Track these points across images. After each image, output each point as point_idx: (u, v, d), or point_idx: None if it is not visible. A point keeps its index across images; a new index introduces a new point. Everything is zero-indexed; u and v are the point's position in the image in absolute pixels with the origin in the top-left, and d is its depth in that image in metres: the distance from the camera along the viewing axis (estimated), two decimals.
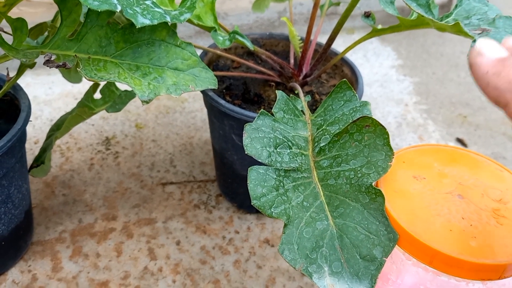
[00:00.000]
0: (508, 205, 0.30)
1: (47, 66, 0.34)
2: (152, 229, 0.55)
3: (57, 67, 0.34)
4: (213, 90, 0.50)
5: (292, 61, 0.56)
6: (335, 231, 0.29)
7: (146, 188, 0.60)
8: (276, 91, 0.36)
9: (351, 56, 0.89)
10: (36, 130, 0.68)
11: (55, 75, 0.78)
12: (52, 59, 0.34)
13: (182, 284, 0.49)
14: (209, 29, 0.45)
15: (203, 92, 0.50)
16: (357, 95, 0.35)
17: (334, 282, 0.27)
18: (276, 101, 0.35)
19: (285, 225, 0.29)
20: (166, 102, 0.75)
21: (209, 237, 0.55)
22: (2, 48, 0.35)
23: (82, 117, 0.47)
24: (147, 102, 0.35)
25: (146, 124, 0.70)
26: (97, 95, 0.51)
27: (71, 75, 0.58)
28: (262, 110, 0.34)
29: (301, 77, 0.53)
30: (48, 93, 0.75)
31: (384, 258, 0.28)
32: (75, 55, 0.36)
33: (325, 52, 0.51)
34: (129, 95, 0.46)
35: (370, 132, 0.31)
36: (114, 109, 0.46)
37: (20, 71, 0.46)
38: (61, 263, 0.50)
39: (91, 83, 0.51)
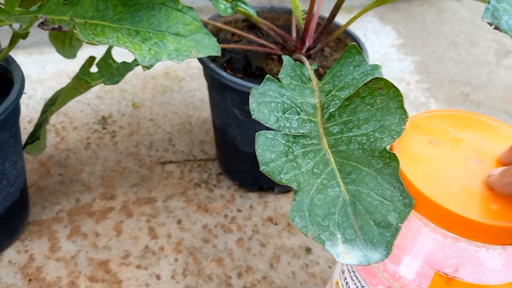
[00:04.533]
0: None
1: (42, 28, 0.32)
2: (152, 208, 0.53)
3: (52, 29, 0.32)
4: (214, 63, 0.48)
5: (294, 34, 0.54)
6: (347, 197, 0.28)
7: (145, 167, 0.58)
8: (283, 56, 0.35)
9: None
10: (29, 110, 0.66)
11: (48, 54, 0.76)
12: (46, 21, 0.32)
13: (185, 263, 0.48)
14: None
15: (203, 65, 0.48)
16: (366, 59, 0.34)
17: (347, 250, 0.26)
18: (283, 67, 0.34)
19: (296, 192, 0.28)
20: (163, 81, 0.73)
21: (211, 215, 0.53)
22: None
23: (78, 90, 0.45)
24: (148, 68, 0.33)
25: (143, 103, 0.68)
26: (94, 69, 0.49)
27: (65, 49, 0.56)
28: (268, 75, 0.33)
29: (304, 50, 0.52)
30: (41, 72, 0.73)
31: (400, 224, 0.26)
32: (71, 18, 0.34)
33: (329, 24, 0.50)
34: (127, 66, 0.45)
35: (382, 95, 0.29)
36: (111, 81, 0.44)
37: (13, 42, 0.44)
38: (59, 242, 0.49)
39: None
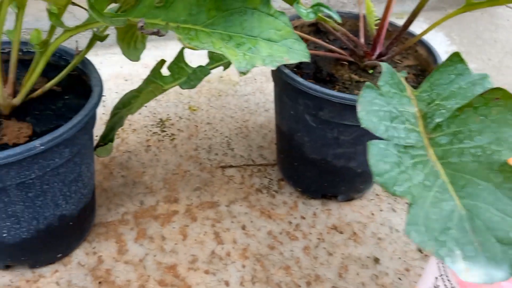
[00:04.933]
0: None
1: (141, 32, 0.31)
2: (215, 212, 0.53)
3: (151, 33, 0.32)
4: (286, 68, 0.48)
5: (362, 40, 0.53)
6: (463, 212, 0.27)
7: (206, 171, 0.58)
8: (381, 64, 0.34)
9: None
10: None
11: (103, 56, 0.76)
12: (144, 26, 0.32)
13: (252, 270, 0.47)
14: (291, 2, 0.42)
15: (277, 69, 0.47)
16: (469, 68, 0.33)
17: (469, 267, 0.25)
18: (382, 74, 0.33)
19: (410, 205, 0.27)
20: (218, 85, 0.73)
21: (275, 222, 0.53)
22: (91, 12, 0.33)
23: (154, 94, 0.45)
24: (244, 74, 0.33)
25: (199, 106, 0.68)
26: (165, 72, 0.49)
27: (130, 51, 0.56)
28: (367, 83, 0.32)
29: (374, 57, 0.51)
30: None
31: None
32: (167, 22, 0.34)
33: (404, 30, 0.48)
34: (204, 70, 0.44)
35: (499, 106, 0.28)
36: (188, 85, 0.44)
37: (91, 44, 0.45)
38: (126, 245, 0.49)
39: (142, 64, 0.49)
